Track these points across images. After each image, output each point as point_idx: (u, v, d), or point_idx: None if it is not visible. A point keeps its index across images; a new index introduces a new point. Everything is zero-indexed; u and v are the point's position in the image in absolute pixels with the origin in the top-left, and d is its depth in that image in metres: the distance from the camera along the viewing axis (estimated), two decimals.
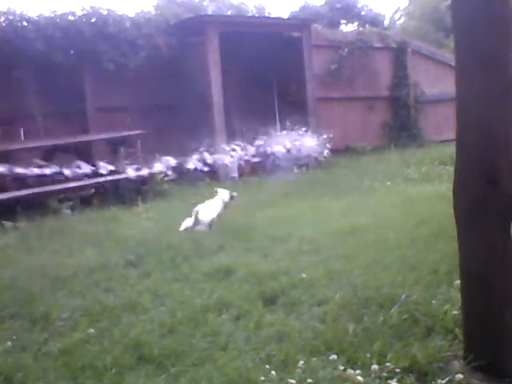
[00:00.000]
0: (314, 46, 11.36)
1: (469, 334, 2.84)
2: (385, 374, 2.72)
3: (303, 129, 10.44)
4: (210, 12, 14.72)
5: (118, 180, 8.48)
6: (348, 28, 21.97)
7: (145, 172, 8.67)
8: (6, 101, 8.84)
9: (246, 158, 9.23)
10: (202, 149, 9.51)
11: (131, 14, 10.25)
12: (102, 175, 8.37)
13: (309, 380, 2.69)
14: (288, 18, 15.73)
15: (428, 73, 13.75)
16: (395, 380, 2.68)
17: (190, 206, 6.35)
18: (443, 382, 2.68)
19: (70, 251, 5.37)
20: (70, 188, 7.87)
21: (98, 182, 8.22)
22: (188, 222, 6.06)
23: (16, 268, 4.85)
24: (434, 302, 3.45)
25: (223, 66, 9.84)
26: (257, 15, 15.28)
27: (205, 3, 16.75)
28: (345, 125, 12.53)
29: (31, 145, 8.45)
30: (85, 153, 9.19)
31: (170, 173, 8.99)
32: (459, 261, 2.85)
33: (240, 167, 10.53)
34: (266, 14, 16.35)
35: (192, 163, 9.28)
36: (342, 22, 22.21)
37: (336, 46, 12.48)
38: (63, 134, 9.17)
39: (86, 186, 8.11)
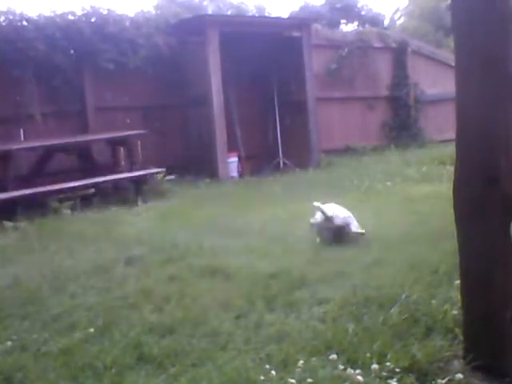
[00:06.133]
0: (314, 46, 11.33)
1: (469, 333, 2.84)
2: (385, 374, 2.72)
3: None
4: (209, 12, 14.72)
5: (118, 180, 8.48)
6: (348, 28, 21.99)
7: (145, 172, 8.67)
8: (6, 101, 8.83)
9: None
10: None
11: (131, 14, 10.27)
12: (101, 175, 8.37)
13: (309, 380, 2.68)
14: (288, 18, 15.69)
15: (428, 73, 13.72)
16: (395, 380, 2.68)
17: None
18: (443, 381, 2.67)
19: (70, 251, 5.37)
20: (70, 188, 7.87)
21: (98, 182, 8.22)
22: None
23: (16, 268, 4.85)
24: (433, 301, 3.44)
25: (223, 65, 9.84)
26: (257, 15, 15.29)
27: (205, 3, 16.77)
28: (345, 125, 12.51)
29: (31, 145, 8.44)
30: (85, 153, 9.20)
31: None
32: (459, 260, 2.85)
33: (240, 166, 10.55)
34: (266, 14, 16.35)
35: None
36: (342, 21, 22.24)
37: (336, 45, 12.45)
38: (63, 133, 9.17)
39: (86, 185, 8.11)
